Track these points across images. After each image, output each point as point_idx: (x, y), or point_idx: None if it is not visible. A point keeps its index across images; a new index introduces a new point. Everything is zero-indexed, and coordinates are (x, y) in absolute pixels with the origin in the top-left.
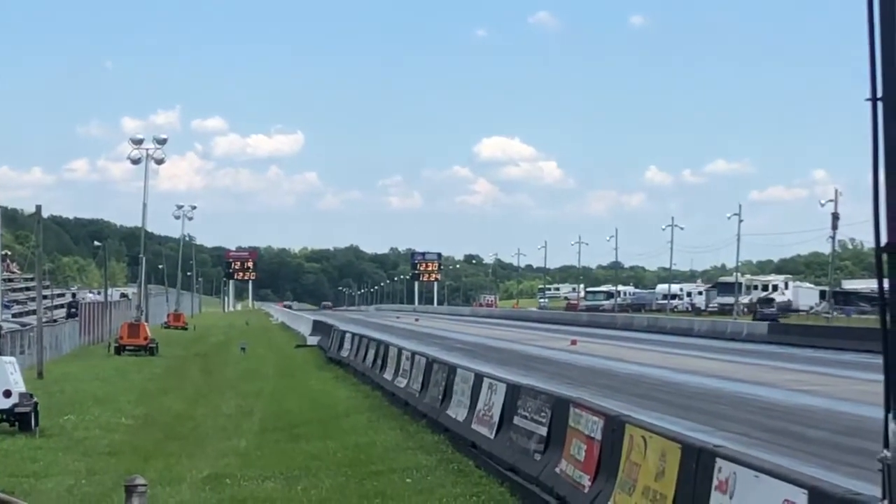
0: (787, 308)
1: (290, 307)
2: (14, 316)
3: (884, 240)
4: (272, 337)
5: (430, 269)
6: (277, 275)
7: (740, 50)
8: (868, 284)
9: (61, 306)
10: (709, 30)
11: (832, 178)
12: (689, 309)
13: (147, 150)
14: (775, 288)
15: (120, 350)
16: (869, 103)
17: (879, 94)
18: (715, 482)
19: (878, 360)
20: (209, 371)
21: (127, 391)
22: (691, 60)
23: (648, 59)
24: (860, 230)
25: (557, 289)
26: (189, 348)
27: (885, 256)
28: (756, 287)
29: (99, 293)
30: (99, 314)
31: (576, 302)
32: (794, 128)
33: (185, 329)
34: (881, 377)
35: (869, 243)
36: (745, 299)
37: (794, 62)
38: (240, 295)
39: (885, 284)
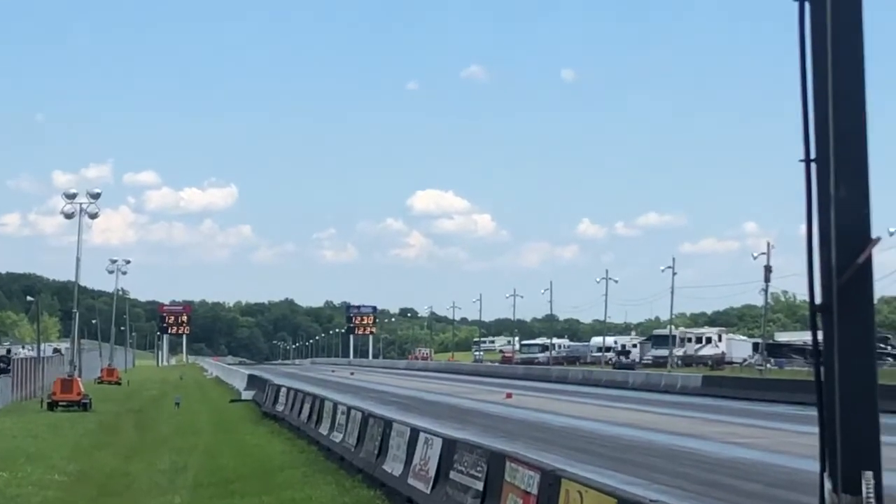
0: (720, 360)
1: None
2: None
3: (818, 300)
4: (207, 391)
5: (365, 322)
6: (212, 329)
7: (670, 104)
8: (800, 337)
9: None
10: (639, 84)
11: (763, 231)
12: (615, 363)
13: (80, 204)
14: (709, 340)
15: (53, 406)
16: (801, 163)
17: (813, 155)
18: None
19: (811, 411)
20: (143, 426)
21: (60, 447)
22: (621, 114)
23: (579, 112)
24: (792, 283)
25: (493, 341)
26: (123, 403)
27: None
28: (690, 339)
29: (31, 348)
30: (31, 369)
31: (511, 355)
32: (724, 181)
33: (119, 384)
34: (814, 429)
35: (801, 296)
36: (679, 351)
37: (724, 116)
38: (174, 349)
39: (820, 343)
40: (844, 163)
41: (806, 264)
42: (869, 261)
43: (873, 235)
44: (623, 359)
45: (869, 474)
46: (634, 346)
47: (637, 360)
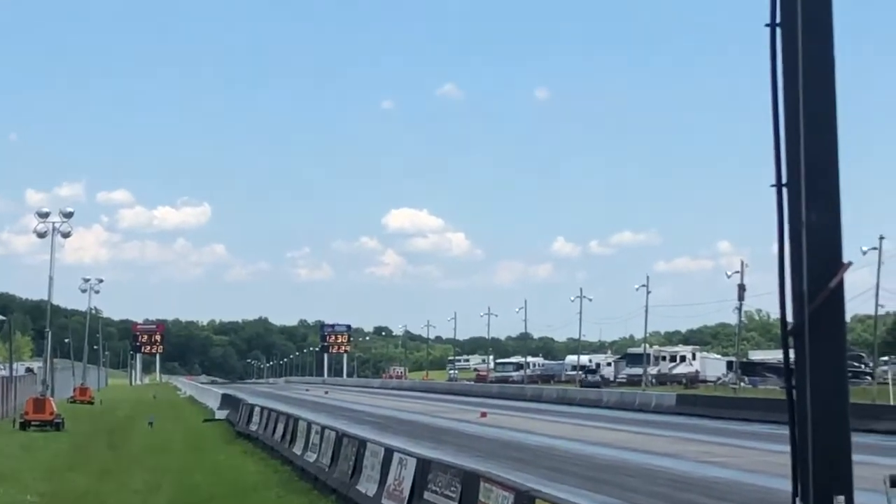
0: (694, 379)
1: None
2: None
3: (789, 322)
4: (180, 411)
5: (339, 340)
6: (186, 348)
7: (644, 123)
8: (774, 355)
9: None
10: (614, 103)
11: (737, 250)
12: (581, 381)
13: (53, 223)
14: (683, 359)
15: (25, 426)
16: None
17: (784, 180)
18: None
19: (784, 430)
20: (116, 446)
21: (32, 468)
22: (596, 132)
23: (554, 130)
24: (766, 301)
25: (467, 360)
26: (96, 423)
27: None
28: (664, 358)
29: (4, 367)
30: (3, 389)
31: (485, 373)
32: (698, 200)
33: (92, 403)
34: (787, 448)
35: (775, 314)
36: (653, 370)
37: (698, 135)
38: (147, 368)
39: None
40: (816, 188)
41: (777, 288)
42: (841, 285)
43: (845, 260)
44: (590, 377)
45: (841, 499)
46: (609, 364)
47: (611, 378)
